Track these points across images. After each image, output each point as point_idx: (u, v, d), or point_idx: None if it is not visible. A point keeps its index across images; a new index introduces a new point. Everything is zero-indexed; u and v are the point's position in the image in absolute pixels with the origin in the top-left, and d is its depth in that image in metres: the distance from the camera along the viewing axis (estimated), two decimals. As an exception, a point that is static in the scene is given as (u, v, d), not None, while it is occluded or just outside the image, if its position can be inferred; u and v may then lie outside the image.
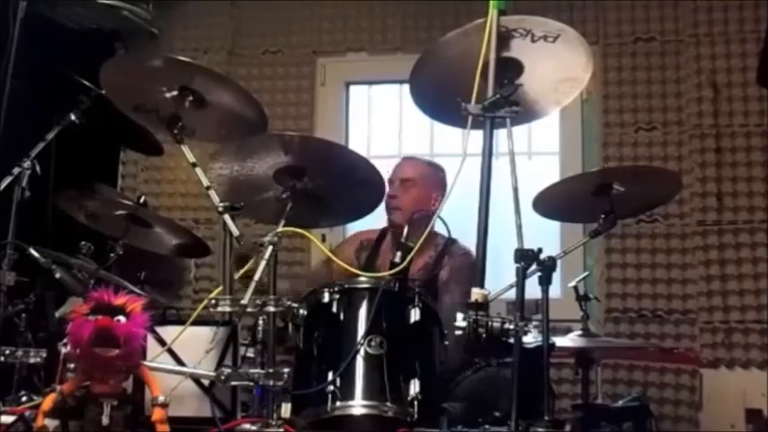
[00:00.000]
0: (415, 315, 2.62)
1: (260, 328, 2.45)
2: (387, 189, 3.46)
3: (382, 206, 3.33)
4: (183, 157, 2.67)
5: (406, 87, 2.81)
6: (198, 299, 4.35)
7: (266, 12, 4.77)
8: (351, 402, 2.49)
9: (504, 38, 2.46)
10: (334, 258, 3.10)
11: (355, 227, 3.84)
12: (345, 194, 2.86)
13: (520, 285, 2.31)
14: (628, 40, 4.40)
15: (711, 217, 4.19)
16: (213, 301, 2.49)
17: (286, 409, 2.43)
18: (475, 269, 2.34)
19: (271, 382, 2.37)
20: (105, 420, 2.17)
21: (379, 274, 2.89)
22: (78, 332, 2.17)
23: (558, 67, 2.63)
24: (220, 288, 2.55)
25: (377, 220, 3.53)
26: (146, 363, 2.33)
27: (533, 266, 2.35)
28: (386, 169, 3.41)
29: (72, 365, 2.25)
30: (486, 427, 2.43)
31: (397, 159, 3.80)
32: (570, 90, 2.73)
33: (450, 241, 3.36)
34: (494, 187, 2.35)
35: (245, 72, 4.70)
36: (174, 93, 2.69)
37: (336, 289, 2.68)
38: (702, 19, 4.32)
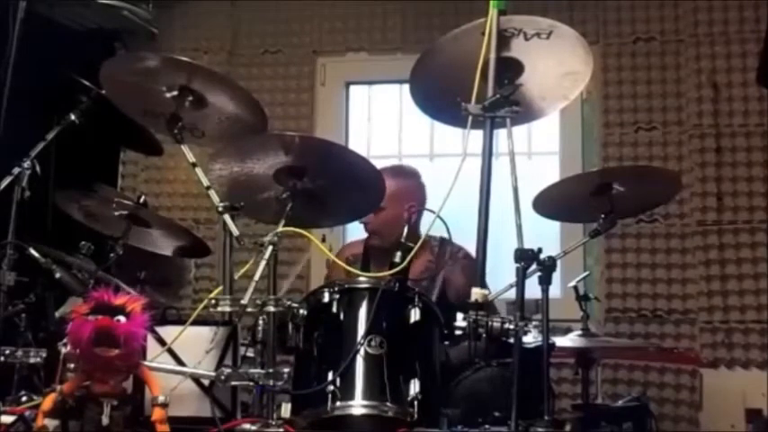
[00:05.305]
0: (415, 315, 2.61)
1: (260, 328, 2.45)
2: None
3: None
4: (183, 157, 2.67)
5: (406, 87, 2.81)
6: (198, 299, 4.35)
7: (266, 12, 4.77)
8: (351, 402, 2.48)
9: (500, 38, 2.45)
10: (344, 264, 3.13)
11: (354, 227, 3.83)
12: (345, 194, 2.85)
13: (520, 285, 2.31)
14: (628, 40, 4.41)
15: (711, 217, 4.19)
16: (213, 301, 2.49)
17: (286, 409, 2.43)
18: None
19: (271, 382, 2.38)
20: (105, 420, 2.17)
21: (379, 274, 2.89)
22: (78, 332, 2.17)
23: (557, 62, 2.62)
24: (220, 288, 2.55)
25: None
26: (146, 363, 2.33)
27: (533, 266, 2.34)
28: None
29: (72, 365, 2.25)
30: (486, 427, 2.42)
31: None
32: (574, 84, 2.72)
33: (445, 241, 3.35)
34: (494, 187, 2.35)
35: (245, 72, 4.71)
36: (174, 93, 2.69)
37: (336, 289, 2.68)
38: (702, 19, 4.32)
